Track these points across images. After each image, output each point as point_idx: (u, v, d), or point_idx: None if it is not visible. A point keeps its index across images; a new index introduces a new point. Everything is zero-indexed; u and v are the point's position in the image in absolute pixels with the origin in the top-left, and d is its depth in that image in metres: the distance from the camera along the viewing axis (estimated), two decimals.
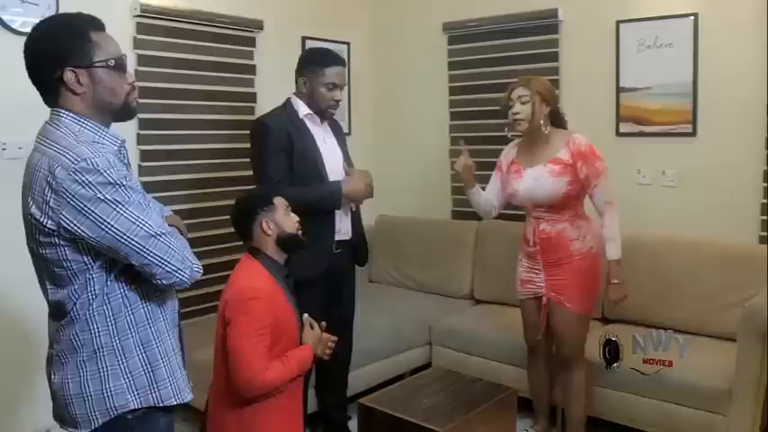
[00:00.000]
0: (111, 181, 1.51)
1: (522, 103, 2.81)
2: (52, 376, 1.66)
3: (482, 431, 2.56)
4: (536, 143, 2.90)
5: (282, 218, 2.24)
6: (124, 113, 1.68)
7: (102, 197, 1.50)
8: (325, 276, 2.84)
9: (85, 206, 1.50)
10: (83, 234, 1.52)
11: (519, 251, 3.06)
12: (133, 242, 1.54)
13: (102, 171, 1.50)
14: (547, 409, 3.15)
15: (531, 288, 2.98)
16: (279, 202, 2.26)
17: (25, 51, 1.60)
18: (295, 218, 2.29)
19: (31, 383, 3.02)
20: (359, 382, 3.36)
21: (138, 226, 1.54)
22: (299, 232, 2.28)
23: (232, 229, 3.72)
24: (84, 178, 1.49)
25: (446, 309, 4.01)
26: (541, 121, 2.83)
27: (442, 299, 4.18)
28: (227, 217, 3.74)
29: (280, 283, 2.20)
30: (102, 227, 1.51)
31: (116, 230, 1.52)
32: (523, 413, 3.14)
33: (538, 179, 2.84)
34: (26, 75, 1.62)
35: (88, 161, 1.50)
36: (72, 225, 1.51)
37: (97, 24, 1.64)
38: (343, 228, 2.97)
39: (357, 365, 3.27)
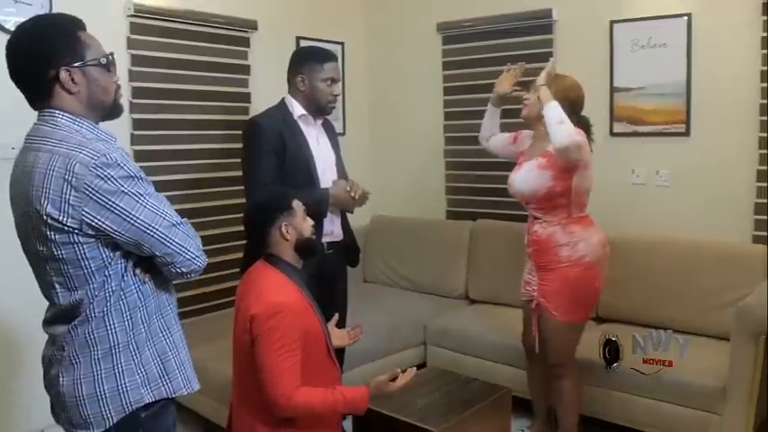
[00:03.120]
0: (132, 174, 1.55)
1: (532, 91, 2.85)
2: (61, 379, 1.62)
3: (477, 431, 2.56)
4: (536, 137, 2.93)
5: (301, 222, 2.19)
6: (114, 111, 1.71)
7: (126, 190, 1.53)
8: (316, 278, 2.83)
9: (109, 200, 1.52)
10: (107, 228, 1.53)
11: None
12: (158, 232, 1.57)
13: (121, 165, 1.53)
14: (544, 411, 3.15)
15: (528, 290, 2.96)
16: (297, 205, 2.20)
17: (11, 54, 1.59)
18: (311, 222, 2.24)
19: (26, 384, 3.01)
20: (354, 382, 3.33)
21: (160, 216, 1.58)
22: (314, 236, 2.24)
23: (227, 230, 3.80)
24: (105, 172, 1.51)
25: (441, 309, 4.01)
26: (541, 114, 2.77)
27: (436, 299, 4.18)
28: (222, 217, 3.83)
29: (304, 292, 2.16)
30: (129, 219, 1.54)
31: (141, 222, 1.55)
32: (518, 413, 3.15)
33: (527, 173, 2.84)
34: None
35: (107, 156, 1.52)
36: (96, 220, 1.52)
37: (81, 24, 1.64)
38: (335, 230, 2.97)
39: (352, 366, 3.27)
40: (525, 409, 3.23)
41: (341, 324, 3.06)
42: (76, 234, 1.54)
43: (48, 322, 1.68)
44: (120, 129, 3.24)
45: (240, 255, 3.69)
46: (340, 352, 3.09)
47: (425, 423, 2.41)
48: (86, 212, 1.51)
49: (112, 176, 1.51)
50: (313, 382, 2.06)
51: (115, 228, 1.53)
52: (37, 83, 1.59)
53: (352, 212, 3.07)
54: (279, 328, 2.00)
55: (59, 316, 1.65)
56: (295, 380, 2.00)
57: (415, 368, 2.28)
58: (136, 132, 3.49)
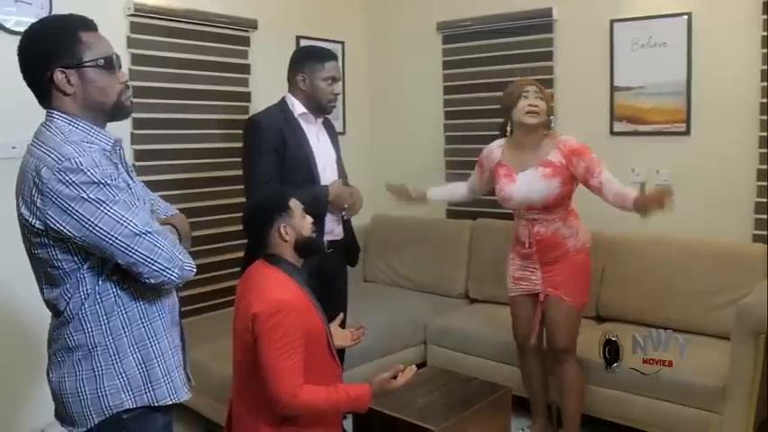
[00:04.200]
0: (95, 180, 1.51)
1: (537, 98, 2.89)
2: (50, 375, 1.68)
3: (477, 430, 2.56)
4: (526, 147, 2.93)
5: (300, 221, 2.18)
6: (118, 113, 1.69)
7: (86, 196, 1.51)
8: (316, 276, 2.83)
9: (69, 205, 1.50)
10: (68, 233, 1.52)
11: (510, 251, 3.09)
12: (117, 241, 1.54)
13: (85, 170, 1.51)
14: (544, 409, 3.15)
15: (525, 285, 3.00)
16: (295, 205, 2.19)
17: (18, 54, 1.61)
18: (310, 219, 2.23)
19: (29, 383, 3.02)
20: (354, 381, 3.32)
21: (122, 225, 1.54)
22: (315, 234, 2.23)
23: (225, 229, 3.81)
24: (67, 178, 1.49)
25: (441, 308, 4.01)
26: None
27: (436, 298, 4.17)
28: (221, 216, 3.83)
29: (305, 290, 2.16)
30: (87, 226, 1.52)
31: (100, 229, 1.52)
32: (518, 412, 3.15)
33: (531, 183, 2.87)
34: (19, 74, 1.62)
35: (72, 161, 1.50)
36: (58, 225, 1.52)
37: (88, 24, 1.64)
38: (335, 229, 2.97)
39: (352, 365, 3.26)
40: (525, 408, 3.23)
41: (341, 325, 3.07)
42: (45, 236, 1.55)
43: (51, 317, 1.71)
44: (120, 128, 3.25)
45: (238, 254, 3.72)
46: (340, 351, 3.08)
47: (425, 422, 2.41)
48: (49, 216, 1.52)
49: (74, 182, 1.49)
50: (315, 380, 2.05)
51: (75, 233, 1.52)
52: (38, 83, 1.60)
53: (347, 218, 3.06)
54: (281, 326, 1.99)
55: (51, 312, 1.68)
56: (298, 378, 2.00)
57: (414, 366, 2.27)
58: (136, 132, 3.48)
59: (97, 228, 1.52)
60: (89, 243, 1.54)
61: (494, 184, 3.04)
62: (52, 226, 1.52)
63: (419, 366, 3.55)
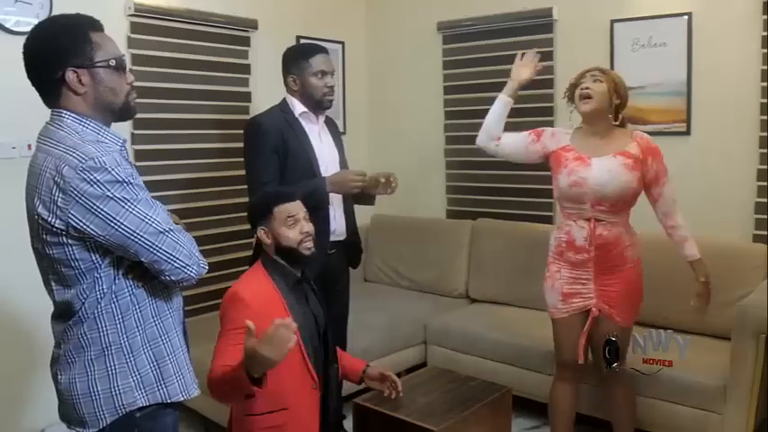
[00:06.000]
0: (119, 179, 1.53)
1: (594, 81, 2.63)
2: (59, 376, 1.66)
3: (477, 430, 2.56)
4: (599, 134, 2.68)
5: (281, 229, 2.18)
6: (124, 113, 1.70)
7: (111, 195, 1.52)
8: (319, 277, 2.83)
9: (94, 204, 1.51)
10: (92, 232, 1.53)
11: (551, 262, 2.77)
12: (143, 239, 1.55)
13: (109, 169, 1.52)
14: (571, 426, 2.91)
15: (577, 302, 2.70)
16: (280, 212, 2.19)
17: (25, 53, 1.60)
18: (302, 228, 2.20)
19: (28, 383, 3.02)
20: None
21: (147, 223, 1.56)
22: (306, 243, 2.20)
23: (226, 229, 3.80)
24: (92, 177, 1.50)
25: (441, 308, 4.01)
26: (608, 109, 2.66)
27: (437, 298, 4.18)
28: (222, 216, 3.85)
29: (281, 290, 2.16)
30: (112, 224, 1.53)
31: (125, 228, 1.54)
32: (518, 412, 3.15)
33: (612, 171, 2.59)
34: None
35: (96, 160, 1.51)
36: (81, 223, 1.52)
37: (96, 25, 1.65)
38: (338, 228, 2.97)
39: None
40: (525, 408, 3.23)
41: (343, 322, 3.07)
42: (64, 236, 1.55)
43: (53, 319, 1.70)
44: (120, 128, 3.24)
45: (237, 254, 3.75)
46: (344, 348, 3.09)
47: (425, 422, 2.40)
48: (72, 215, 1.52)
49: (99, 181, 1.50)
50: (289, 391, 2.08)
51: (99, 232, 1.53)
52: (47, 83, 1.60)
53: (390, 194, 2.95)
54: (227, 314, 2.09)
55: (58, 313, 1.67)
56: (225, 360, 1.96)
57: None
58: (136, 132, 3.48)
59: (123, 226, 1.53)
60: (113, 241, 1.55)
61: (561, 171, 2.66)
62: (75, 225, 1.52)
63: (419, 366, 3.57)
